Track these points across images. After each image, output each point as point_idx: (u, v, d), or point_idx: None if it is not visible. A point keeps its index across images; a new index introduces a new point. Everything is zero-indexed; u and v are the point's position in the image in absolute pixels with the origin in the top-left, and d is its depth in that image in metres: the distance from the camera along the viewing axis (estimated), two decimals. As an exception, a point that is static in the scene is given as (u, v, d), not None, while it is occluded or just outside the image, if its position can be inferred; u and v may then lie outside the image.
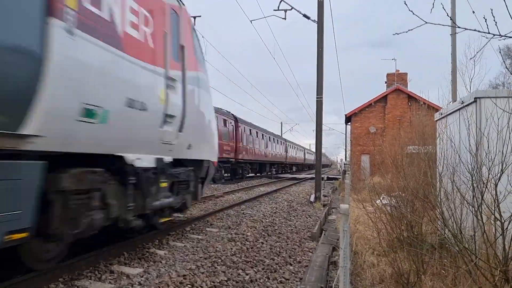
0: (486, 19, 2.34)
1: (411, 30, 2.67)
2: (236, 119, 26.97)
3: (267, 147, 35.64)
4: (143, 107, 5.43)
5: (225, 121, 24.59)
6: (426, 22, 2.53)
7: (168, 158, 6.47)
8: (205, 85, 8.29)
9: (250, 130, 30.23)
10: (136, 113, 5.28)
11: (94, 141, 4.64)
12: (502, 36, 2.45)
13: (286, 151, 45.77)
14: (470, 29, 2.48)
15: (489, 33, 2.41)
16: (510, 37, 2.47)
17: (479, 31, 2.39)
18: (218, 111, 22.80)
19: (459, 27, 2.58)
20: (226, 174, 26.26)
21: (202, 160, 8.20)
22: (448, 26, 3.03)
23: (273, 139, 39.03)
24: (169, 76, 6.30)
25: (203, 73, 8.27)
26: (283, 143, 45.01)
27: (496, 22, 2.37)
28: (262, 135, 34.21)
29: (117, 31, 4.93)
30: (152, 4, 5.96)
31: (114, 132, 4.94)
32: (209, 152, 8.62)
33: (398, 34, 2.81)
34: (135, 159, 5.45)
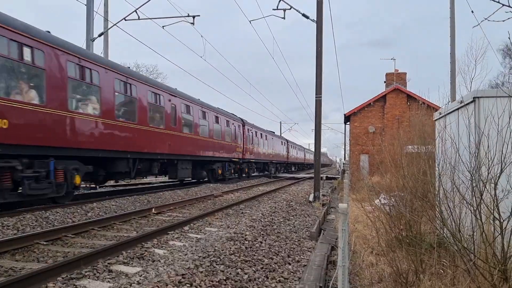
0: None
1: None
2: (287, 141, 49.56)
3: (297, 154, 58.55)
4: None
5: (283, 142, 45.89)
6: None
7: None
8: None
9: (291, 145, 52.91)
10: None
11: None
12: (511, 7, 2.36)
13: (304, 155, 67.26)
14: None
15: (498, 2, 2.29)
16: None
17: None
18: (281, 138, 47.05)
19: None
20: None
21: None
22: None
23: (299, 148, 62.63)
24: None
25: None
26: (303, 149, 67.11)
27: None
28: (294, 146, 56.84)
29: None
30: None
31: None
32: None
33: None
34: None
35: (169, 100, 16.74)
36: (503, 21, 2.44)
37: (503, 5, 2.38)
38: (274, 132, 43.40)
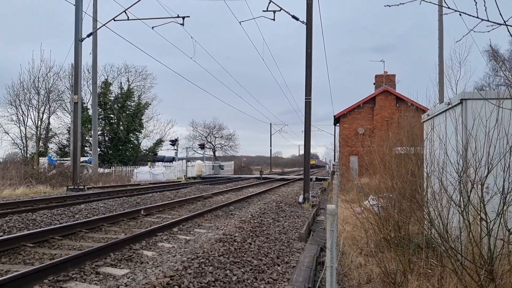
0: (476, 2, 2.35)
1: (403, 4, 2.74)
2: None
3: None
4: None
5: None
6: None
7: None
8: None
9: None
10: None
11: None
12: (490, 21, 2.46)
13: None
14: (458, 11, 2.50)
15: (477, 17, 2.42)
16: (499, 24, 2.48)
17: (468, 14, 2.39)
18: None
19: (448, 7, 2.60)
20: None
21: None
22: (436, 4, 3.09)
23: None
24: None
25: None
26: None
27: (486, 8, 2.38)
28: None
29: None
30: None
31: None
32: None
33: (389, 6, 2.84)
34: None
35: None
36: (488, 32, 2.54)
37: (482, 19, 2.48)
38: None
